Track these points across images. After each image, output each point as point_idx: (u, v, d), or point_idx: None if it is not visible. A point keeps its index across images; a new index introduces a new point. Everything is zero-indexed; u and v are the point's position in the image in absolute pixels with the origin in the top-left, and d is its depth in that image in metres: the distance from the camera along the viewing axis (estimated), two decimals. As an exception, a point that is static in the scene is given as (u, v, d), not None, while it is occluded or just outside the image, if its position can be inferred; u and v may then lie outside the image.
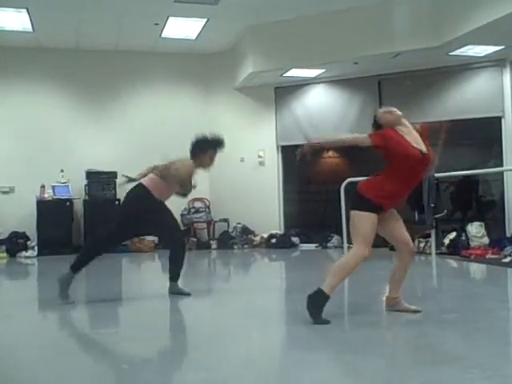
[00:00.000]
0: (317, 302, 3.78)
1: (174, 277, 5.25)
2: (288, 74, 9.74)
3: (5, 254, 9.38)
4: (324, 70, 9.62)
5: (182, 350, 3.35)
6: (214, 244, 10.18)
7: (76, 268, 4.98)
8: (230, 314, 4.55)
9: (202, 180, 10.94)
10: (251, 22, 9.31)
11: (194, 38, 9.93)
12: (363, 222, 3.85)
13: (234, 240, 10.10)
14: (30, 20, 8.83)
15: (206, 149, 5.32)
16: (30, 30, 9.24)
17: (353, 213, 3.91)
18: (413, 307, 4.18)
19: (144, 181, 5.19)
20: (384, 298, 4.31)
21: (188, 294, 5.19)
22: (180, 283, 5.29)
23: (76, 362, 3.14)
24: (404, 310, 4.15)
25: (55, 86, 10.29)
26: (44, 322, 4.70)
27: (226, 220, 10.40)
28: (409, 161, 3.86)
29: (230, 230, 10.29)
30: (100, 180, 9.88)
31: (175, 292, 5.19)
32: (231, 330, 3.90)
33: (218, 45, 10.39)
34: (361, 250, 3.85)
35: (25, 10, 8.44)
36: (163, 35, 9.77)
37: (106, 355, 3.41)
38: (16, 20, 8.84)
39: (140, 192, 5.11)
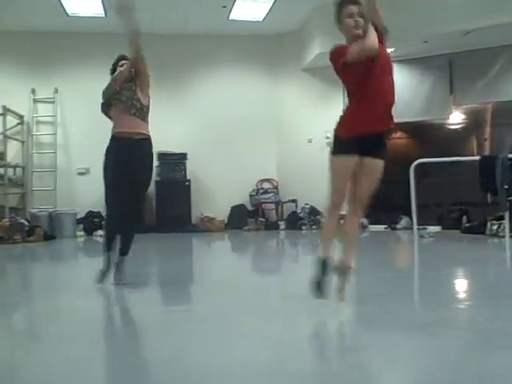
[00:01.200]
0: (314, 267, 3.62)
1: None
2: (355, 54, 9.62)
3: (82, 233, 9.81)
4: (393, 49, 9.44)
5: (251, 326, 3.43)
6: (282, 225, 10.27)
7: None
8: (298, 292, 4.61)
9: (270, 161, 11.13)
10: (318, 2, 9.25)
11: (261, 19, 9.97)
12: (336, 166, 3.74)
13: (303, 221, 10.15)
14: (103, 6, 9.08)
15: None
16: (103, 15, 9.52)
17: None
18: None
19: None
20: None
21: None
22: (249, 262, 5.36)
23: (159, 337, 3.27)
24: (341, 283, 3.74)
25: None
26: (119, 298, 4.91)
27: (294, 201, 10.46)
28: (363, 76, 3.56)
29: (299, 211, 10.34)
30: (171, 161, 10.13)
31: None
32: (298, 307, 3.96)
33: (285, 26, 10.38)
34: (329, 201, 3.70)
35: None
36: (231, 17, 9.85)
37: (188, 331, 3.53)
38: (89, 5, 9.12)
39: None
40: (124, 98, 4.63)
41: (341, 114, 3.70)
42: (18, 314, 4.37)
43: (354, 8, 3.58)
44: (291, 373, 2.47)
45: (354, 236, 3.79)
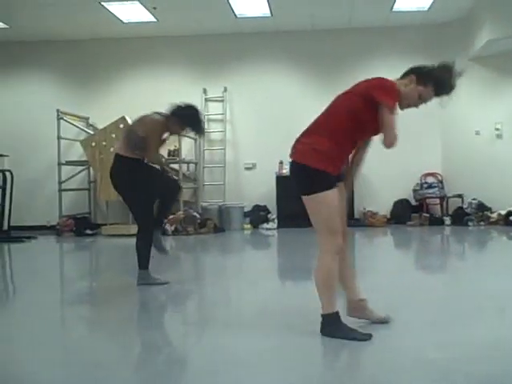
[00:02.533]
0: (332, 327, 3.14)
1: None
2: (530, 39, 9.06)
3: (249, 226, 10.27)
4: None
5: (420, 326, 3.45)
6: (447, 220, 9.95)
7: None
8: (465, 292, 4.52)
9: (434, 154, 10.83)
10: (489, -13, 8.83)
11: (426, 8, 9.71)
12: (326, 204, 3.16)
13: (469, 216, 9.76)
14: (269, 6, 9.42)
15: (185, 122, 4.92)
16: (269, 15, 9.87)
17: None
18: (385, 315, 3.40)
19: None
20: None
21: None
22: (410, 257, 5.33)
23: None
24: (372, 318, 3.39)
25: (291, 67, 10.84)
26: (284, 289, 5.14)
27: (460, 195, 10.09)
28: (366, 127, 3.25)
29: (465, 206, 9.96)
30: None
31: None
32: (468, 310, 3.89)
33: (451, 13, 10.01)
34: (332, 243, 3.16)
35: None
36: (395, 8, 9.71)
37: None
38: (255, 6, 9.51)
39: None
40: None
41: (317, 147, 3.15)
42: (190, 301, 4.77)
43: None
44: None
45: (352, 271, 3.45)
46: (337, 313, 3.15)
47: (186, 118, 4.86)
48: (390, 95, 3.10)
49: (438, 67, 3.29)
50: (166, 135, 4.97)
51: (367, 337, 3.09)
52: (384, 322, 3.37)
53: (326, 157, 3.10)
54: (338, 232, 3.14)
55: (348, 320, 3.25)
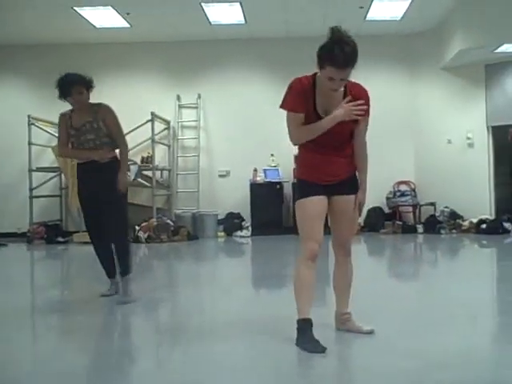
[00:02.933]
0: (297, 334, 3.16)
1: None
2: (500, 49, 9.19)
3: (223, 233, 10.23)
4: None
5: (392, 333, 3.45)
6: (420, 228, 10.03)
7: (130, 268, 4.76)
8: (438, 301, 4.55)
9: (407, 163, 10.91)
10: (460, -4, 8.94)
11: (399, 18, 9.81)
12: (301, 211, 3.24)
13: (442, 224, 9.85)
14: (243, 13, 9.42)
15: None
16: (243, 22, 9.88)
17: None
18: (366, 328, 3.40)
19: None
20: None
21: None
22: (383, 265, 5.36)
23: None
24: (355, 331, 3.40)
25: (265, 74, 10.84)
26: (258, 297, 5.12)
27: (432, 204, 10.18)
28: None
29: (437, 214, 10.05)
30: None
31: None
32: (440, 318, 3.91)
33: (424, 23, 10.12)
34: (303, 248, 3.19)
35: (238, 4, 9.03)
36: (368, 17, 9.79)
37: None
38: (230, 14, 9.51)
39: None
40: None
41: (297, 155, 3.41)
42: (163, 309, 4.72)
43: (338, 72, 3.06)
44: None
45: (345, 286, 3.42)
46: (303, 320, 3.14)
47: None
48: (284, 98, 3.27)
49: (321, 46, 3.11)
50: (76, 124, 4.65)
51: (319, 350, 3.03)
52: (369, 332, 3.37)
53: (301, 165, 3.28)
54: (311, 238, 3.16)
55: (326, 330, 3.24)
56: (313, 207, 3.18)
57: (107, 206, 4.56)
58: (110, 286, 4.81)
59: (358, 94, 3.21)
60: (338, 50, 2.99)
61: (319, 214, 3.20)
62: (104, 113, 4.69)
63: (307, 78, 3.23)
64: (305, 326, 3.13)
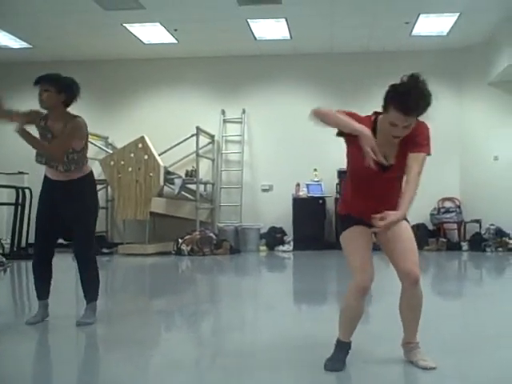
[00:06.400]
0: (335, 347, 3.16)
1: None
2: (549, 65, 9.02)
3: (265, 248, 10.26)
4: None
5: (438, 353, 3.40)
6: (464, 245, 9.86)
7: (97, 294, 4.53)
8: (484, 319, 4.47)
9: (452, 179, 10.76)
10: (508, 12, 8.82)
11: (445, 33, 9.73)
12: (345, 244, 3.12)
13: (487, 242, 9.67)
14: (289, 29, 9.50)
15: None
16: (288, 38, 9.95)
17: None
18: (425, 363, 3.08)
19: None
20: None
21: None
22: (427, 283, 5.26)
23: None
24: (414, 363, 3.14)
25: (309, 89, 10.87)
26: (301, 316, 5.11)
27: (477, 221, 10.00)
28: (359, 172, 3.03)
29: (483, 232, 9.87)
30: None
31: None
32: (484, 335, 3.84)
33: (471, 38, 10.02)
34: (354, 281, 3.05)
35: (283, 20, 9.11)
36: (414, 33, 9.74)
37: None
38: (275, 30, 9.60)
39: None
40: None
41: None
42: (204, 323, 4.74)
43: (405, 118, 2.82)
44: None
45: (410, 313, 3.23)
46: (338, 340, 3.15)
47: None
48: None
49: (392, 86, 2.87)
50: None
51: (336, 368, 3.03)
52: (425, 368, 3.07)
53: (343, 201, 3.26)
54: (362, 271, 3.02)
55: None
56: (356, 236, 3.06)
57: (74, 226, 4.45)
58: (37, 310, 4.46)
59: (414, 130, 2.91)
60: (410, 96, 2.77)
61: (364, 242, 3.06)
62: (71, 126, 4.21)
63: (368, 119, 2.98)
64: (342, 346, 3.13)
